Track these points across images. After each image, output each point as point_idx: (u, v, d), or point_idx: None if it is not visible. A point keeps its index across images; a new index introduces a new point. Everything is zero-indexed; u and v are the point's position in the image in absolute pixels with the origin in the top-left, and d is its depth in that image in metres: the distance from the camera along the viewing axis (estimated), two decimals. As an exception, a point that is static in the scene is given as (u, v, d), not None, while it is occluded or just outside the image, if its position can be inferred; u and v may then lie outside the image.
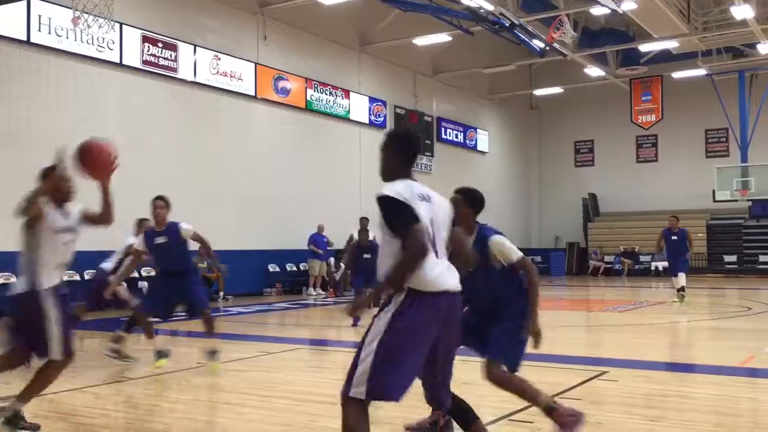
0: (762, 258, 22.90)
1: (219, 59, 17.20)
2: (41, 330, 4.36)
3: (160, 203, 6.99)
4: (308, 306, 15.46)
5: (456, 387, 6.12)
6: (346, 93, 21.12)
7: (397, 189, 3.26)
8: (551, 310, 14.68)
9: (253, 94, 18.11)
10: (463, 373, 6.87)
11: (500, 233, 4.40)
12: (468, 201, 4.39)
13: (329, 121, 20.62)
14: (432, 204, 3.38)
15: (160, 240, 6.93)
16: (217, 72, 17.16)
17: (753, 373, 6.92)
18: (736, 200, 23.95)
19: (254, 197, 17.86)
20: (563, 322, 12.20)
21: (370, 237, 11.36)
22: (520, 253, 4.36)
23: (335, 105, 20.73)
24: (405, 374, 3.23)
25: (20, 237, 4.49)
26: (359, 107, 21.64)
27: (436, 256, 3.33)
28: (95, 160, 4.38)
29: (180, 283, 6.89)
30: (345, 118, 21.15)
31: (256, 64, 18.17)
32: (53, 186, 4.45)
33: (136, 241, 7.35)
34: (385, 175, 3.45)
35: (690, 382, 6.52)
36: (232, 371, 7.04)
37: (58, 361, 4.45)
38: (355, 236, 11.93)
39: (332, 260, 18.79)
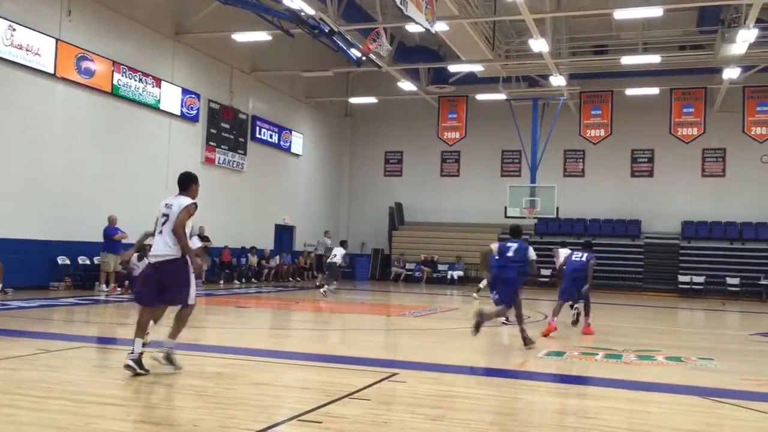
0: (544, 272, 25.05)
1: (14, 30, 15.70)
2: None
3: None
4: (99, 302, 14.52)
5: (249, 387, 6.08)
6: (158, 81, 20.18)
7: None
8: (353, 314, 15.05)
9: (52, 71, 16.73)
10: (257, 373, 6.85)
11: None
12: None
13: (137, 109, 19.57)
14: None
15: None
16: (11, 44, 15.66)
17: (529, 376, 7.53)
18: (524, 217, 26.03)
19: (44, 183, 16.52)
20: (362, 325, 12.55)
21: None
22: None
23: (145, 93, 19.72)
24: None
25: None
26: (171, 98, 20.77)
27: None
28: None
29: None
30: (155, 108, 20.20)
31: (57, 39, 16.81)
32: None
33: None
34: None
35: (472, 383, 6.96)
36: (2, 370, 6.43)
37: None
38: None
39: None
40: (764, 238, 26.31)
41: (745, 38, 18.76)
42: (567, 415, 5.61)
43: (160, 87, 20.24)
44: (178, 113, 21.10)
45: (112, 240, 16.76)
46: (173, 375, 6.41)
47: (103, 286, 16.68)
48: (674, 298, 24.29)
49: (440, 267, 28.87)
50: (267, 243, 25.94)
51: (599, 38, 24.46)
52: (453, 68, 24.88)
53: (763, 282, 24.74)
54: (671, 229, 27.98)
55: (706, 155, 27.95)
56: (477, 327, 8.96)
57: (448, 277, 28.04)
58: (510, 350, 9.69)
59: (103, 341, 9.35)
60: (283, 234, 27.55)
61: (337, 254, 19.40)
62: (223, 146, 23.26)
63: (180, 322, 6.66)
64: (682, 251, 26.99)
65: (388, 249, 30.86)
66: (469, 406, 5.84)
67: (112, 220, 17.02)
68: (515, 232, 10.19)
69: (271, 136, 26.33)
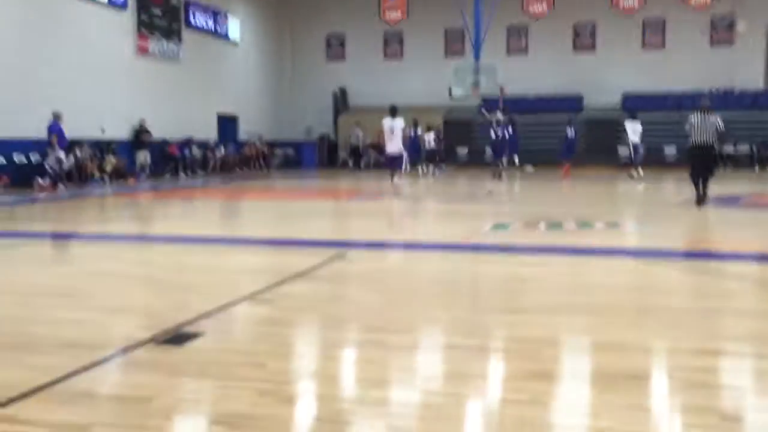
0: (488, 151, 25.38)
1: None
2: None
3: None
4: (38, 201, 14.21)
5: (198, 272, 6.15)
6: (79, -34, 18.91)
7: None
8: (302, 200, 15.13)
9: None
10: (206, 259, 6.92)
11: None
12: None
13: (59, -3, 18.44)
14: None
15: None
16: None
17: (474, 248, 7.78)
18: (469, 97, 26.00)
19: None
20: (312, 211, 12.64)
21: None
22: None
23: (66, -21, 18.49)
24: None
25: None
26: (95, -17, 19.55)
27: None
28: None
29: None
30: (79, -5, 19.03)
31: None
32: None
33: None
34: None
35: (419, 258, 7.17)
36: (-54, 270, 6.35)
37: None
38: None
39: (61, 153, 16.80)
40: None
41: None
42: (509, 281, 5.86)
43: (82, -28, 18.99)
44: (105, 1, 19.95)
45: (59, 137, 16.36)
46: (122, 267, 6.44)
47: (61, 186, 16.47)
48: (614, 171, 24.99)
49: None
50: (210, 134, 25.46)
51: None
52: (392, -57, 23.90)
53: (698, 151, 25.54)
54: (612, 103, 28.39)
55: (647, 27, 28.01)
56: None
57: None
58: (456, 226, 9.95)
59: (47, 236, 9.23)
60: (227, 124, 27.02)
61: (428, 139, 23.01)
62: (156, 34, 22.24)
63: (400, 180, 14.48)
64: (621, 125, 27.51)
65: (334, 135, 30.65)
66: (415, 279, 6.04)
67: (57, 116, 16.42)
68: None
69: (206, 23, 25.25)
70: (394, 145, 14.25)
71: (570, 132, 20.67)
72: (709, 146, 11.33)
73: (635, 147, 19.52)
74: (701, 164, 11.43)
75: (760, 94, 26.99)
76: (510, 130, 20.98)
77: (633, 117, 19.99)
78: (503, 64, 26.11)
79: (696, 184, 11.51)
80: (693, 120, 11.37)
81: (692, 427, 2.73)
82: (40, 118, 16.40)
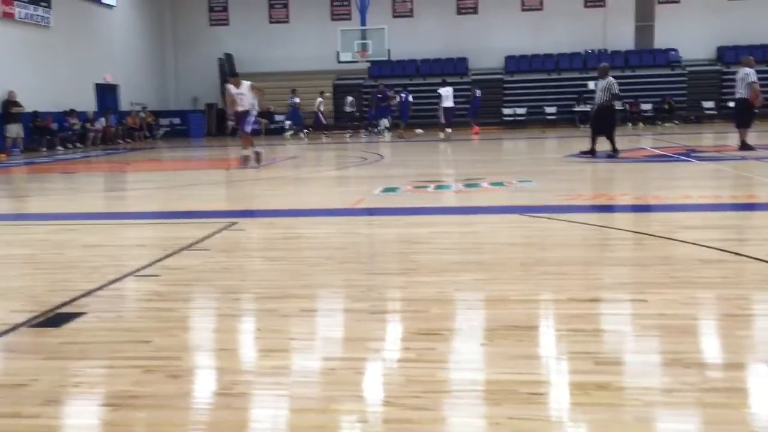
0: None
1: None
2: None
3: None
4: None
5: (79, 250, 5.88)
6: None
7: None
8: (190, 170, 14.68)
9: None
10: (87, 236, 6.64)
11: None
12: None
13: None
14: None
15: None
16: None
17: (365, 212, 7.83)
18: (357, 61, 25.93)
19: None
20: (200, 180, 12.30)
21: None
22: None
23: None
24: None
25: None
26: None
27: None
28: None
29: None
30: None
31: None
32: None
33: None
34: None
35: (308, 224, 7.15)
36: None
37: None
38: None
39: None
40: (577, 68, 28.05)
41: None
42: (401, 243, 5.95)
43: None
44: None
45: None
46: (-7, 247, 6.05)
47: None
48: (499, 131, 25.75)
49: (277, 118, 28.44)
50: (88, 105, 24.17)
51: None
52: None
53: (576, 109, 26.69)
54: (496, 65, 29.07)
55: (528, -11, 28.76)
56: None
57: (286, 126, 27.76)
58: (347, 191, 9.96)
59: None
60: (107, 94, 25.72)
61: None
62: (20, -2, 20.74)
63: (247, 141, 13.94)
64: (506, 85, 28.29)
65: (221, 102, 29.79)
66: (306, 245, 6.02)
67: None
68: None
69: (76, -15, 23.77)
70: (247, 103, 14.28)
71: (478, 93, 22.72)
72: (611, 104, 13.17)
73: (449, 110, 20.50)
74: (606, 120, 13.09)
75: (630, 53, 28.41)
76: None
77: (445, 84, 21.16)
78: (390, 27, 26.16)
79: (595, 139, 13.15)
80: (600, 82, 13.10)
81: (570, 373, 2.88)
82: None
